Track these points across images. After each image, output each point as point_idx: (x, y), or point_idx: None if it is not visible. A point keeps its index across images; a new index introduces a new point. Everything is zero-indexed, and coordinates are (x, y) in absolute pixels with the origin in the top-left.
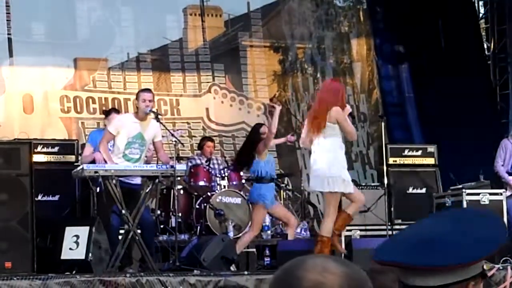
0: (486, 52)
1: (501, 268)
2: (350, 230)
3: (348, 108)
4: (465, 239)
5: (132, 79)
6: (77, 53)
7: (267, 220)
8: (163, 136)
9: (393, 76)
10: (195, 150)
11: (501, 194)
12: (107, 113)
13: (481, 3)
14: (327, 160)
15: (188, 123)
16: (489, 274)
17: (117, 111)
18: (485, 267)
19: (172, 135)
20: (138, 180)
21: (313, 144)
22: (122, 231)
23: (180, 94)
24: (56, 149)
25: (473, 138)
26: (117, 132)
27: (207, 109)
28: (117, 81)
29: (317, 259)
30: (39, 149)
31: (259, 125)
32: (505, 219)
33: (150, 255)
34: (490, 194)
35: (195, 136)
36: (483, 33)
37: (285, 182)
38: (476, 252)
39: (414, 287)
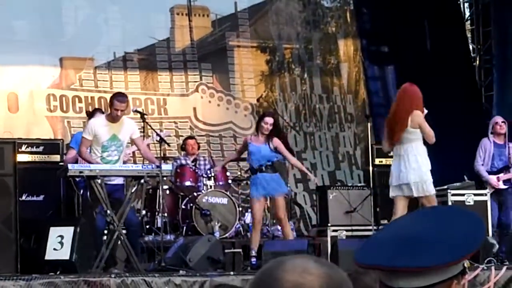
0: (471, 54)
1: (485, 268)
2: (336, 231)
3: (425, 111)
4: (446, 239)
5: (119, 78)
6: (64, 52)
7: None
8: (149, 136)
9: (379, 76)
10: (181, 150)
11: (485, 194)
12: (91, 114)
13: (466, 5)
14: (423, 164)
15: (175, 122)
16: (474, 274)
17: (102, 112)
18: (465, 264)
19: (158, 134)
20: (118, 181)
21: (398, 149)
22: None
23: (167, 94)
24: (40, 148)
25: (458, 139)
26: (92, 136)
27: (194, 109)
28: (103, 80)
29: (297, 260)
30: (23, 148)
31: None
32: (489, 219)
33: (136, 255)
34: (475, 194)
35: (182, 136)
36: (469, 35)
37: None
38: (459, 252)
39: None
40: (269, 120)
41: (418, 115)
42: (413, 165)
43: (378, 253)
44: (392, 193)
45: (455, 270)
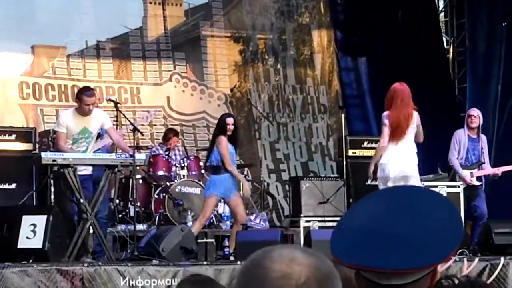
0: (445, 46)
1: (457, 260)
2: (309, 221)
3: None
4: (430, 237)
5: (92, 66)
6: (36, 40)
7: (227, 210)
8: (123, 125)
9: (352, 68)
10: (156, 139)
11: (458, 186)
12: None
13: None
14: (415, 161)
15: (148, 111)
16: (446, 266)
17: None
18: None
19: (131, 123)
20: (86, 171)
21: (398, 144)
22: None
23: (140, 83)
24: (13, 136)
25: (431, 131)
26: (66, 128)
27: (168, 98)
28: (76, 69)
29: (284, 250)
30: None
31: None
32: (462, 212)
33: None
34: (448, 186)
35: (155, 125)
36: (442, 27)
37: (245, 172)
38: (449, 247)
39: (389, 286)
40: (230, 120)
41: (417, 115)
42: (412, 159)
43: (365, 252)
44: (385, 185)
45: None
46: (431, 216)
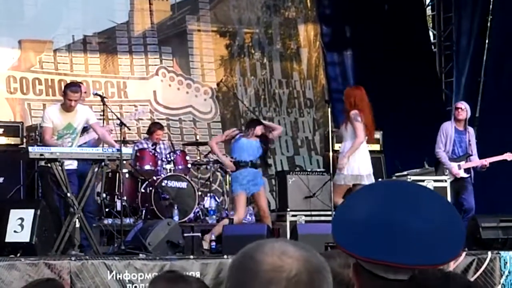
0: (432, 40)
1: None
2: (295, 216)
3: None
4: (443, 234)
5: (79, 61)
6: (23, 34)
7: (213, 204)
8: (110, 119)
9: (338, 62)
10: (142, 133)
11: (445, 180)
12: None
13: None
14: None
15: (135, 106)
16: (458, 262)
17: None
18: None
19: (118, 118)
20: (72, 166)
21: (364, 145)
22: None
23: (127, 77)
24: (1, 131)
25: (418, 125)
26: (51, 122)
27: (154, 92)
28: (63, 63)
29: (276, 243)
30: None
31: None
32: None
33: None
34: (435, 180)
35: (142, 119)
36: (429, 21)
37: None
38: (457, 244)
39: (395, 280)
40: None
41: None
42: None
43: (380, 246)
44: (353, 181)
45: None
46: (436, 212)
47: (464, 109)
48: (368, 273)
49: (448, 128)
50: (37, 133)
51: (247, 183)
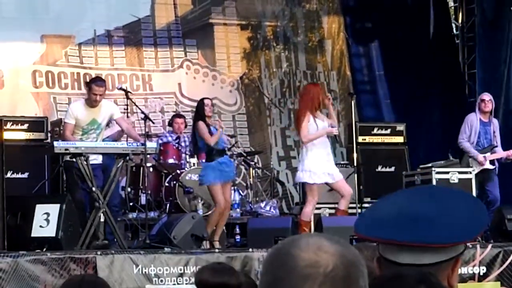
0: (455, 31)
1: (470, 246)
2: (319, 208)
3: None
4: (454, 220)
5: (104, 54)
6: (48, 28)
7: (237, 198)
8: (134, 113)
9: (363, 54)
10: (167, 126)
11: (470, 172)
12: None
13: None
14: None
15: (160, 98)
16: (484, 255)
17: (102, 80)
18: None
19: (142, 112)
20: (96, 160)
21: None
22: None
23: (152, 70)
24: (25, 126)
25: (442, 117)
26: (74, 119)
27: (179, 85)
28: (88, 57)
29: (311, 238)
30: (8, 126)
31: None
32: None
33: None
34: (460, 172)
35: (167, 112)
36: (452, 12)
37: (255, 160)
38: (471, 231)
39: (405, 265)
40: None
41: None
42: None
43: (390, 229)
44: (321, 180)
45: (459, 250)
46: (458, 204)
47: (489, 100)
48: (385, 261)
49: (473, 120)
50: (61, 128)
51: None
